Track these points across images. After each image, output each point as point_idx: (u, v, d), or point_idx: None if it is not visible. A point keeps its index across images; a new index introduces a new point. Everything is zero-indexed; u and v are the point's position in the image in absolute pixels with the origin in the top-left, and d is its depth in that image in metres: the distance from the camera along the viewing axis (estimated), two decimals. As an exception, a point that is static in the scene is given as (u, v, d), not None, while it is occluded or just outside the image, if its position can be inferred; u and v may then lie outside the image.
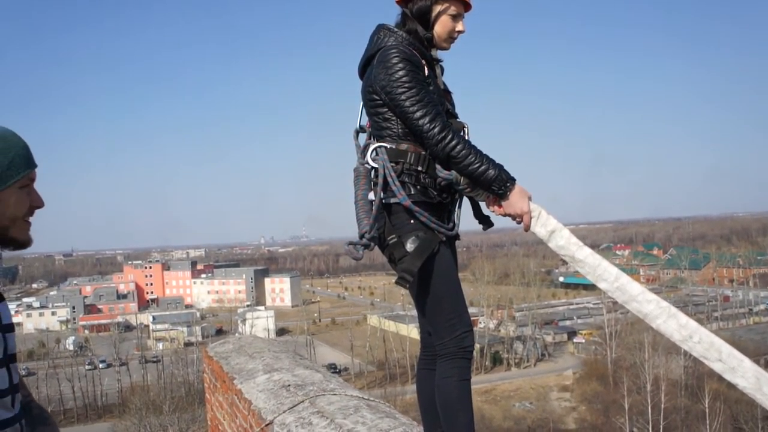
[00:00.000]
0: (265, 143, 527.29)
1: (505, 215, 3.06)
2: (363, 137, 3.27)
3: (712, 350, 2.81)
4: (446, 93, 3.27)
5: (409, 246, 2.97)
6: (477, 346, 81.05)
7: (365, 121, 3.26)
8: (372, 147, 3.06)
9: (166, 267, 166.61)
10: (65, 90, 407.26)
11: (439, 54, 3.27)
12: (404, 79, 2.95)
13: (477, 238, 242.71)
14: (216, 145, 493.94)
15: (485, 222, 3.26)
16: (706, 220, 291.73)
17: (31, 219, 2.01)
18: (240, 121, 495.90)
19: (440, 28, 3.14)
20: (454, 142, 2.92)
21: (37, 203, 2.00)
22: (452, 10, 3.13)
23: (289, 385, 4.47)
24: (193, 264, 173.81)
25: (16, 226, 1.95)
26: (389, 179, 2.99)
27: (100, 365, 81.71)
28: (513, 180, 2.97)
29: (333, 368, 76.92)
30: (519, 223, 3.03)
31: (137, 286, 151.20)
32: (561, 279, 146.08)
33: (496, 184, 2.94)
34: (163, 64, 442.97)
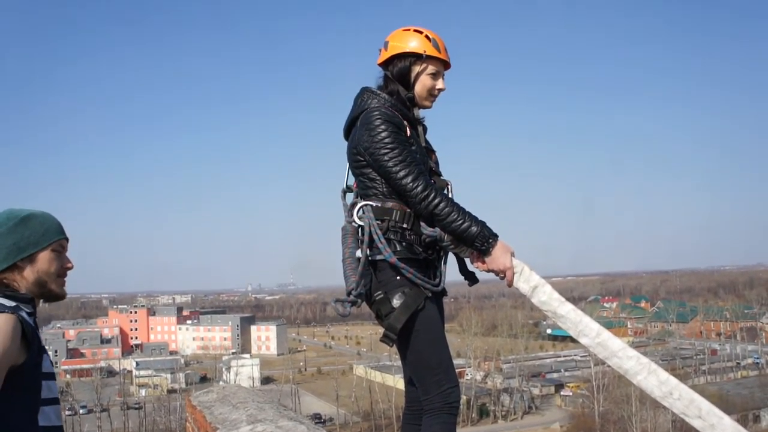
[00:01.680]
0: (254, 190, 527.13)
1: (488, 271, 3.13)
2: (350, 196, 3.35)
3: (692, 407, 2.86)
4: (430, 152, 3.38)
5: (395, 302, 3.03)
6: (464, 398, 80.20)
7: (352, 180, 3.35)
8: (359, 206, 3.14)
9: (151, 312, 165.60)
10: (51, 132, 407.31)
11: (422, 113, 3.37)
12: (387, 140, 3.06)
13: (465, 290, 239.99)
14: (204, 191, 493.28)
15: (470, 278, 3.34)
16: (694, 273, 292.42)
17: (65, 278, 2.61)
18: (228, 166, 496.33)
19: (420, 87, 3.28)
20: (437, 201, 3.01)
21: (66, 265, 2.59)
22: (431, 69, 3.27)
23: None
24: (179, 310, 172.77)
25: (53, 282, 2.55)
26: (375, 237, 3.07)
27: (81, 411, 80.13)
28: (495, 236, 3.06)
29: (318, 418, 75.96)
30: (502, 278, 3.10)
31: (122, 331, 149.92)
32: (549, 331, 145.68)
33: (478, 240, 3.03)
34: (152, 108, 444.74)
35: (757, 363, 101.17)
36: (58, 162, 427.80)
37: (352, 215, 3.17)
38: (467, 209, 3.09)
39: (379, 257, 3.07)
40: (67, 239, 2.62)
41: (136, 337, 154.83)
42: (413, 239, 3.12)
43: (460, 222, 3.01)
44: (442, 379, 3.06)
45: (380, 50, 3.34)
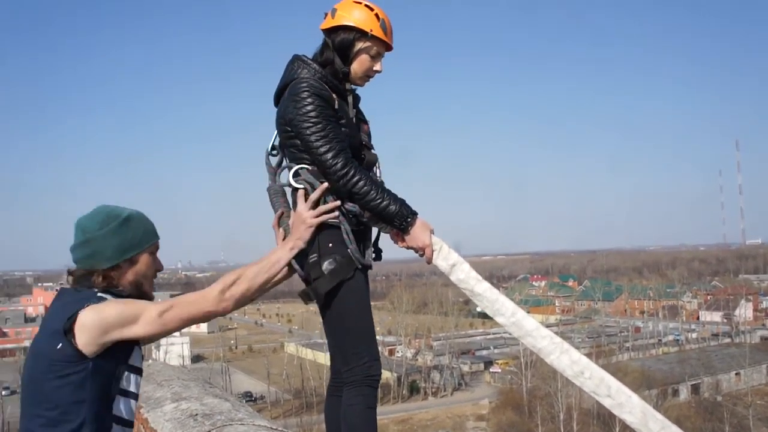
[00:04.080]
0: (183, 165, 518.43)
1: (408, 248, 3.15)
2: (274, 160, 3.29)
3: (602, 386, 2.96)
4: (362, 123, 3.33)
5: (326, 267, 3.02)
6: (394, 375, 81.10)
7: (277, 141, 3.27)
8: (295, 168, 3.10)
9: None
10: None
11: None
12: (312, 114, 3.01)
13: (396, 267, 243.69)
14: (133, 166, 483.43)
15: (377, 254, 3.32)
16: (619, 253, 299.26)
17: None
18: (158, 139, 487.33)
19: (358, 65, 3.20)
20: (356, 179, 2.99)
21: (159, 267, 2.73)
22: (373, 49, 3.19)
23: (196, 414, 4.37)
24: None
25: (147, 283, 2.68)
26: (327, 198, 3.06)
27: (3, 392, 78.11)
28: (414, 214, 3.08)
29: (249, 396, 75.67)
30: (422, 256, 3.13)
31: (47, 309, 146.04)
32: (478, 309, 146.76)
33: (397, 219, 3.04)
34: (77, 76, 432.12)
35: (677, 340, 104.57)
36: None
37: (276, 176, 3.18)
38: (388, 188, 3.10)
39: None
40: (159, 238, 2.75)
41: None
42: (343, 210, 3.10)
43: (379, 201, 3.01)
44: (364, 352, 3.09)
45: (326, 14, 3.23)
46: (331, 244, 3.05)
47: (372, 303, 3.24)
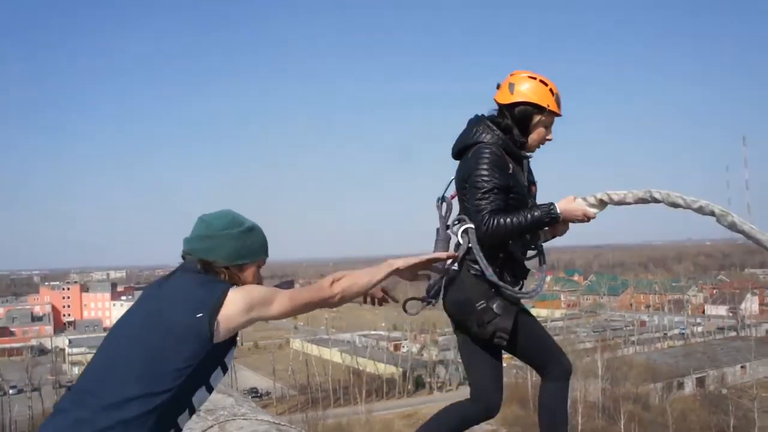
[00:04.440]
0: (183, 165, 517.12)
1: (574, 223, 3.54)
2: (443, 208, 3.56)
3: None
4: (531, 184, 3.64)
5: (497, 309, 3.36)
6: (400, 370, 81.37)
7: (449, 192, 3.59)
8: (464, 226, 3.38)
9: (84, 288, 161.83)
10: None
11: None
12: (485, 178, 3.33)
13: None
14: (136, 163, 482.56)
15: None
16: (625, 248, 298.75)
17: None
18: (158, 139, 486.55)
19: (536, 136, 3.55)
20: (495, 225, 3.30)
21: (260, 282, 2.77)
22: (548, 122, 3.53)
23: (199, 410, 4.36)
24: (114, 286, 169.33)
25: None
26: (478, 257, 3.34)
27: (10, 391, 78.23)
28: (551, 204, 3.39)
29: (255, 392, 75.82)
30: (589, 220, 3.50)
31: (54, 308, 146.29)
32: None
33: (546, 218, 3.38)
34: (81, 75, 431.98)
35: (683, 333, 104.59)
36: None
37: (453, 230, 3.42)
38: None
39: (473, 272, 3.38)
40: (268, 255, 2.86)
41: (69, 314, 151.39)
42: (505, 258, 3.46)
43: (524, 222, 3.32)
44: (557, 354, 3.57)
45: (499, 85, 3.56)
46: (492, 290, 3.37)
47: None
